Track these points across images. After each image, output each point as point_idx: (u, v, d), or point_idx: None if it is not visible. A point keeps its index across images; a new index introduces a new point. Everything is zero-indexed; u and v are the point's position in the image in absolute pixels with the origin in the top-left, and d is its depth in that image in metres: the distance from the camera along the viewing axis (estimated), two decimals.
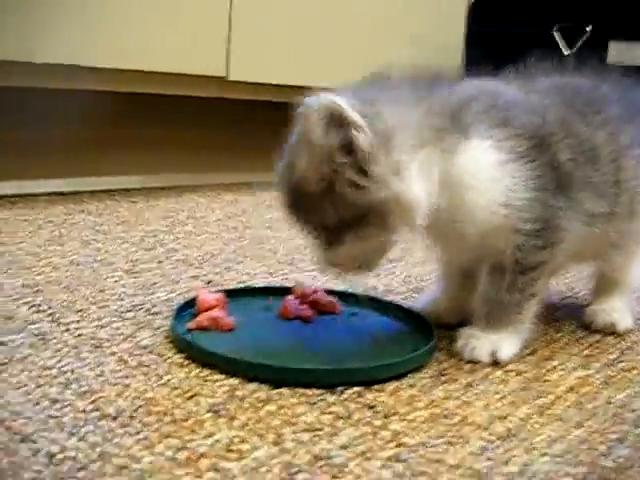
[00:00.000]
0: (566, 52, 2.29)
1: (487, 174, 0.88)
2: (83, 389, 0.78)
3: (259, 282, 1.23)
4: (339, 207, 0.84)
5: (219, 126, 2.21)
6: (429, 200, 0.87)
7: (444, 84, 0.93)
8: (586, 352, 1.00)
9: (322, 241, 0.88)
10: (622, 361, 0.98)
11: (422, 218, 0.87)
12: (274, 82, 2.08)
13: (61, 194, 1.86)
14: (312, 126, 0.81)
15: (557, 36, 2.37)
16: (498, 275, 0.93)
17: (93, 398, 0.77)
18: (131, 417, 0.73)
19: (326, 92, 0.83)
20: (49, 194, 1.84)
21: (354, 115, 0.81)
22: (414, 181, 0.85)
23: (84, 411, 0.74)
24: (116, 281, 1.18)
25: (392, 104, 0.87)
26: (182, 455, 0.67)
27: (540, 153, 0.90)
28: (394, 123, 0.85)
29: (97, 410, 0.74)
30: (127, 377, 0.82)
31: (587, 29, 2.42)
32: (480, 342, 0.93)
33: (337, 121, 0.81)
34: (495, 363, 0.92)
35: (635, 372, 0.94)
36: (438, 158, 0.87)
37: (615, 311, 1.08)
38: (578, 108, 0.98)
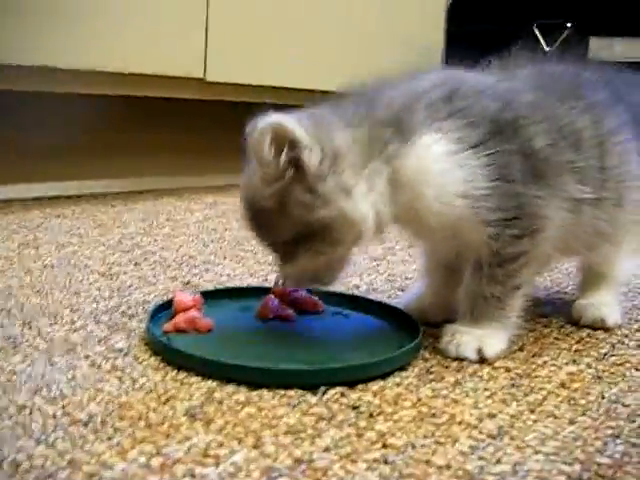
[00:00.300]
0: (547, 49, 2.27)
1: (436, 167, 0.86)
2: (53, 394, 0.75)
3: (238, 283, 1.20)
4: (291, 224, 0.85)
5: (198, 129, 2.18)
6: (380, 215, 0.88)
7: (399, 80, 0.93)
8: (576, 347, 0.97)
9: (278, 256, 0.90)
10: (613, 355, 0.95)
11: (370, 235, 0.88)
12: (252, 83, 2.05)
13: (37, 199, 1.82)
14: (260, 145, 0.82)
15: (538, 33, 2.35)
16: (479, 269, 0.90)
17: (63, 403, 0.73)
18: (103, 422, 0.70)
19: (278, 113, 0.84)
20: (24, 199, 1.80)
21: (302, 135, 0.82)
22: (361, 199, 0.86)
23: (54, 417, 0.70)
24: (91, 284, 1.14)
25: (341, 124, 0.87)
26: (156, 461, 0.63)
27: (503, 141, 0.87)
28: (342, 143, 0.86)
29: (67, 415, 0.71)
30: (100, 381, 0.79)
31: (567, 25, 2.41)
32: (465, 338, 0.90)
33: (285, 140, 0.82)
34: (482, 360, 0.89)
35: (628, 366, 0.91)
36: (385, 168, 0.87)
37: (604, 305, 1.06)
38: (557, 93, 0.95)
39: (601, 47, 2.38)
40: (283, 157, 0.82)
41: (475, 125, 0.87)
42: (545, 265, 1.00)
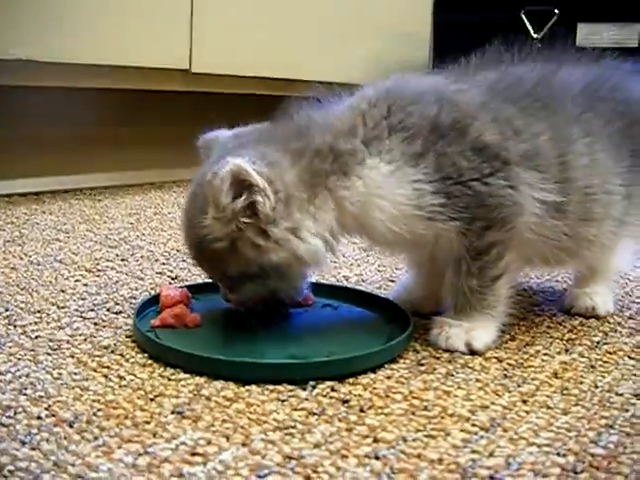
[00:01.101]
0: (535, 35, 2.26)
1: (382, 193, 0.86)
2: (38, 394, 0.74)
3: None
4: (242, 263, 0.85)
5: (184, 121, 2.16)
6: (330, 244, 0.88)
7: (333, 100, 0.93)
8: (568, 335, 0.96)
9: (225, 287, 0.91)
10: (606, 343, 0.94)
11: (320, 264, 0.89)
12: (238, 74, 2.04)
13: (23, 195, 1.81)
14: (219, 190, 0.81)
15: (525, 20, 2.34)
16: (457, 264, 0.89)
17: (49, 403, 0.72)
18: (89, 422, 0.68)
19: (235, 156, 0.83)
20: (10, 195, 1.78)
21: (258, 179, 0.82)
22: (310, 237, 0.86)
23: (39, 417, 0.69)
24: (77, 280, 1.13)
25: (287, 162, 0.86)
26: (143, 461, 0.62)
27: (449, 144, 0.86)
28: (290, 183, 0.85)
29: (53, 416, 0.69)
30: (86, 379, 0.78)
31: (555, 12, 2.39)
32: (454, 330, 0.89)
33: (244, 184, 0.82)
34: (472, 352, 0.88)
35: (620, 354, 0.90)
36: (330, 202, 0.87)
37: (596, 294, 1.05)
38: (515, 97, 0.92)
39: (589, 33, 2.36)
40: (240, 202, 0.82)
41: (415, 137, 0.86)
42: (525, 264, 0.97)
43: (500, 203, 0.86)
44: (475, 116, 0.88)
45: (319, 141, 0.87)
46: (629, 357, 0.90)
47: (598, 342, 0.94)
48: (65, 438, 0.65)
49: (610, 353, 0.91)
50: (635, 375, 0.84)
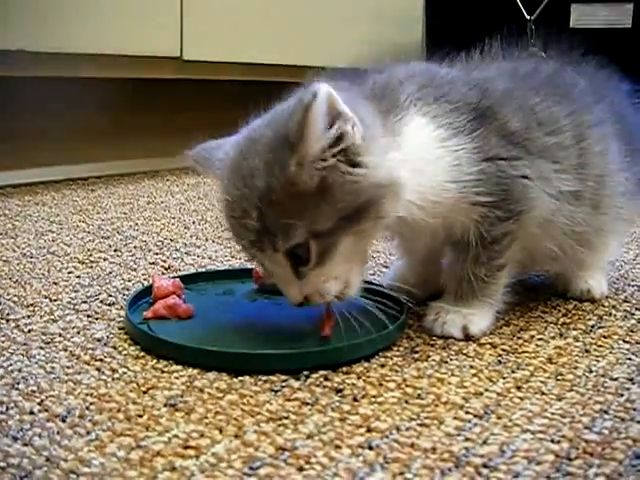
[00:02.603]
0: (528, 17, 2.25)
1: (428, 154, 0.84)
2: (31, 388, 0.74)
3: (220, 266, 1.18)
4: (335, 207, 0.76)
5: (177, 109, 2.16)
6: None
7: (376, 70, 0.91)
8: (563, 320, 0.96)
9: (301, 264, 0.79)
10: (601, 327, 0.94)
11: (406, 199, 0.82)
12: (230, 60, 2.03)
13: (16, 186, 1.80)
14: (315, 117, 0.73)
15: (519, 2, 2.32)
16: (462, 249, 0.89)
17: (41, 397, 0.72)
18: (81, 416, 0.68)
19: (320, 83, 0.74)
20: (2, 187, 1.78)
21: (347, 108, 0.75)
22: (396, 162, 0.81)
23: (31, 412, 0.69)
24: (70, 272, 1.12)
25: (359, 97, 0.83)
26: (136, 455, 0.62)
27: (484, 125, 0.86)
28: (366, 115, 0.81)
29: (45, 410, 0.69)
30: (79, 373, 0.77)
31: None
32: (450, 316, 0.89)
33: (333, 113, 0.74)
34: (468, 338, 0.88)
35: (615, 337, 0.90)
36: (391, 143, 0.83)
37: (591, 277, 1.04)
38: (533, 85, 0.94)
39: (582, 14, 2.35)
40: (333, 131, 0.74)
41: (459, 110, 0.86)
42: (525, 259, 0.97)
43: (522, 195, 0.87)
44: (502, 103, 0.89)
45: (378, 86, 0.86)
46: (624, 341, 0.89)
47: (593, 326, 0.94)
48: (58, 433, 0.65)
49: (605, 337, 0.90)
50: (630, 359, 0.84)
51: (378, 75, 0.89)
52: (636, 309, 1.01)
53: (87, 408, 0.70)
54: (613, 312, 1.00)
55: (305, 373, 0.77)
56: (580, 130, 0.94)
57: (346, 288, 0.82)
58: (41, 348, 0.83)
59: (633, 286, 1.11)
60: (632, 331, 0.93)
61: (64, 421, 0.67)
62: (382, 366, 0.80)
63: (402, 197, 0.81)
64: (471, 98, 0.88)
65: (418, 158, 0.84)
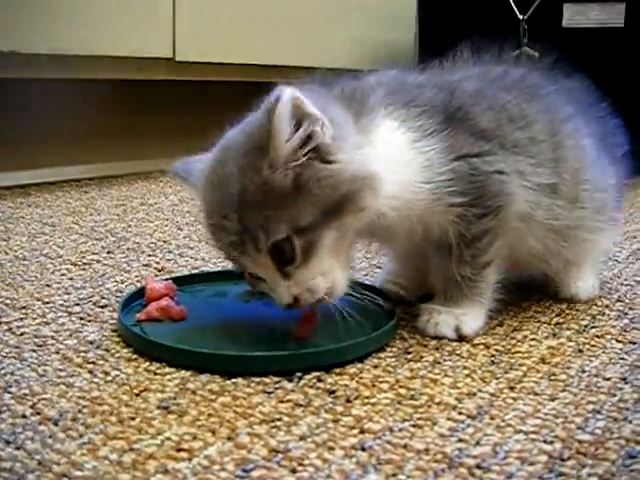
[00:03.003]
0: (521, 16, 2.25)
1: (400, 156, 0.85)
2: (23, 391, 0.73)
3: (213, 267, 1.18)
4: (312, 201, 0.78)
5: (169, 110, 2.15)
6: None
7: (349, 78, 0.92)
8: (556, 320, 0.96)
9: (287, 261, 0.79)
10: (594, 327, 0.94)
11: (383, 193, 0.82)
12: (223, 61, 2.02)
13: (8, 188, 1.80)
14: (281, 121, 0.75)
15: (511, 1, 2.32)
16: (445, 250, 0.89)
17: (34, 401, 0.71)
18: (74, 419, 0.68)
19: (285, 86, 0.76)
20: None
21: (314, 109, 0.77)
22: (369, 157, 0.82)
23: (23, 416, 0.69)
24: (63, 274, 1.12)
25: (329, 98, 0.85)
26: (128, 458, 0.62)
27: (454, 126, 0.87)
28: (335, 115, 0.82)
29: (38, 414, 0.69)
30: (71, 376, 0.77)
31: None
32: (442, 317, 0.89)
33: (299, 114, 0.76)
34: (461, 338, 0.88)
35: (608, 337, 0.90)
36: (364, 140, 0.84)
37: (580, 279, 1.04)
38: (503, 85, 0.96)
39: (575, 13, 2.35)
40: (301, 133, 0.76)
41: (427, 113, 0.87)
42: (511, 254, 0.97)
43: (498, 191, 0.87)
44: (471, 102, 0.90)
45: (344, 92, 0.87)
46: (617, 340, 0.89)
47: (586, 326, 0.94)
48: (50, 436, 0.65)
49: (598, 337, 0.91)
50: (623, 359, 0.84)
51: (347, 82, 0.90)
52: (629, 309, 1.01)
53: (79, 411, 0.69)
54: (606, 312, 1.00)
55: (298, 375, 0.77)
56: (552, 125, 0.95)
57: (332, 288, 0.82)
58: (33, 351, 0.83)
59: (626, 285, 1.11)
60: (625, 331, 0.93)
61: (56, 424, 0.67)
62: (375, 367, 0.80)
63: (380, 190, 0.82)
64: (439, 100, 0.89)
65: (390, 160, 0.84)
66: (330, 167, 0.78)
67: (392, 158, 0.84)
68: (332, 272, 0.81)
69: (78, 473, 0.59)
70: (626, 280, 1.14)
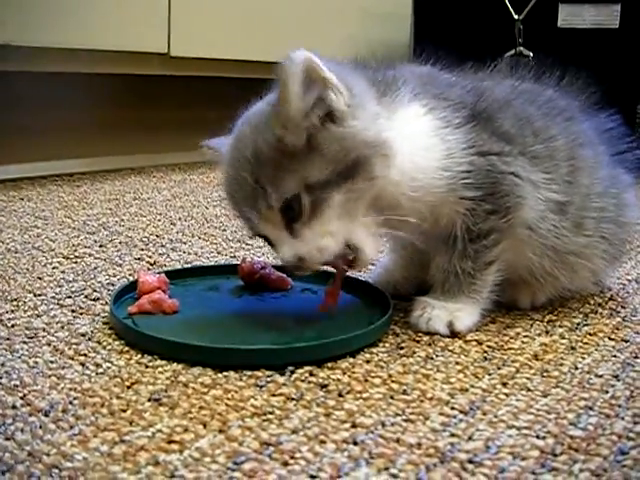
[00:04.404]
0: (516, 17, 2.25)
1: (423, 141, 0.86)
2: (14, 383, 0.73)
3: (206, 261, 1.18)
4: (324, 161, 0.79)
5: (164, 105, 2.15)
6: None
7: (382, 66, 0.93)
8: (549, 317, 0.96)
9: (296, 218, 0.80)
10: (587, 324, 0.94)
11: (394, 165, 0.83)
12: (217, 57, 2.02)
13: (1, 182, 1.79)
14: (290, 81, 0.77)
15: (507, 1, 2.32)
16: (450, 244, 0.89)
17: (24, 392, 0.71)
18: (64, 411, 0.68)
19: (300, 50, 0.79)
20: None
21: (329, 74, 0.79)
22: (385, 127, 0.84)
23: (14, 407, 0.68)
24: (55, 267, 1.12)
25: (341, 68, 0.85)
26: (119, 449, 0.61)
27: (479, 125, 0.88)
28: (357, 86, 0.84)
29: (28, 405, 0.69)
30: (62, 368, 0.77)
31: None
32: (436, 312, 0.89)
33: (312, 78, 0.78)
34: (453, 334, 0.88)
35: (601, 335, 0.90)
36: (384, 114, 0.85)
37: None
38: (531, 100, 0.97)
39: (570, 14, 2.36)
40: (313, 94, 0.78)
41: (455, 107, 0.88)
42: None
43: (510, 191, 0.88)
44: (498, 108, 0.91)
45: (380, 75, 0.89)
46: (609, 338, 0.89)
47: (578, 323, 0.94)
48: (40, 427, 0.65)
49: (590, 334, 0.91)
50: (615, 356, 0.84)
51: (381, 68, 0.91)
52: (621, 307, 1.01)
53: (70, 403, 0.69)
54: (599, 310, 1.00)
55: (290, 368, 0.77)
56: (572, 147, 0.95)
57: (358, 252, 0.83)
58: (24, 343, 0.83)
59: (618, 284, 1.11)
60: (617, 329, 0.93)
61: (47, 415, 0.67)
62: (367, 362, 0.80)
63: (393, 161, 0.83)
64: (467, 99, 0.90)
65: (413, 143, 0.85)
66: (344, 130, 0.80)
67: (415, 141, 0.85)
68: (345, 235, 0.82)
69: (68, 464, 0.59)
70: (619, 278, 1.14)
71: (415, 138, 0.85)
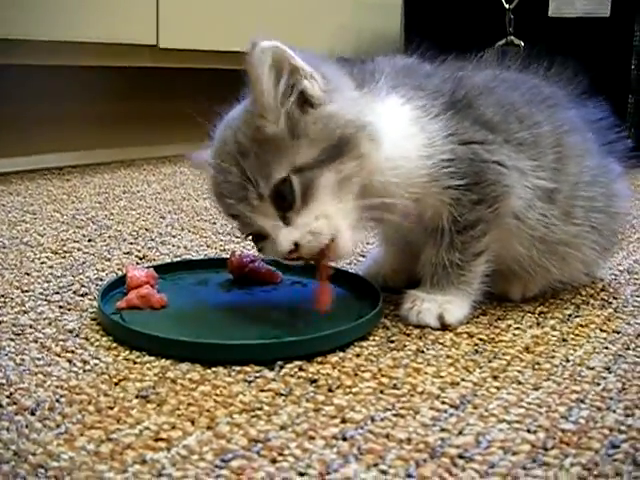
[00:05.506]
0: (507, 6, 2.24)
1: (403, 130, 0.86)
2: (0, 381, 0.72)
3: (196, 255, 1.17)
4: (311, 139, 0.80)
5: (153, 98, 2.14)
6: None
7: (360, 60, 0.93)
8: (540, 309, 0.95)
9: (286, 205, 0.80)
10: (578, 316, 0.93)
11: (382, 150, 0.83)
12: (207, 49, 2.01)
13: None
14: (257, 68, 0.78)
15: None
16: (438, 236, 0.88)
17: (10, 390, 0.70)
18: (51, 409, 0.67)
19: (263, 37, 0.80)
20: None
21: (300, 61, 0.80)
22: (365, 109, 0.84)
23: (0, 405, 0.67)
24: (43, 262, 1.11)
25: (314, 56, 0.86)
26: (106, 448, 0.61)
27: (459, 113, 0.88)
28: (327, 71, 0.84)
29: (14, 403, 0.68)
30: (49, 365, 0.76)
31: None
32: (426, 305, 0.88)
33: (281, 65, 0.79)
34: (444, 327, 0.87)
35: (592, 326, 0.90)
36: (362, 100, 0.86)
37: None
38: (515, 87, 0.96)
39: (562, 3, 2.35)
40: (284, 80, 0.79)
41: (433, 96, 0.88)
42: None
43: (496, 180, 0.87)
44: (478, 94, 0.90)
45: (352, 66, 0.90)
46: (601, 330, 0.89)
47: (570, 315, 0.94)
48: (26, 426, 0.64)
49: (582, 326, 0.90)
50: (607, 348, 0.84)
51: (358, 63, 0.91)
52: (613, 298, 1.01)
53: (57, 401, 0.68)
54: (590, 301, 0.99)
55: (279, 363, 0.76)
56: (558, 134, 0.94)
57: (336, 245, 0.81)
58: (11, 340, 0.82)
59: (610, 275, 1.11)
60: (609, 320, 0.92)
61: (33, 414, 0.66)
62: (357, 356, 0.79)
63: (379, 141, 0.83)
64: (445, 88, 0.89)
65: (393, 132, 0.85)
66: (324, 112, 0.80)
67: (395, 131, 0.85)
68: (335, 219, 0.80)
69: (54, 464, 0.58)
70: (610, 269, 1.13)
71: (395, 127, 0.85)
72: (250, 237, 0.87)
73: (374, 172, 0.83)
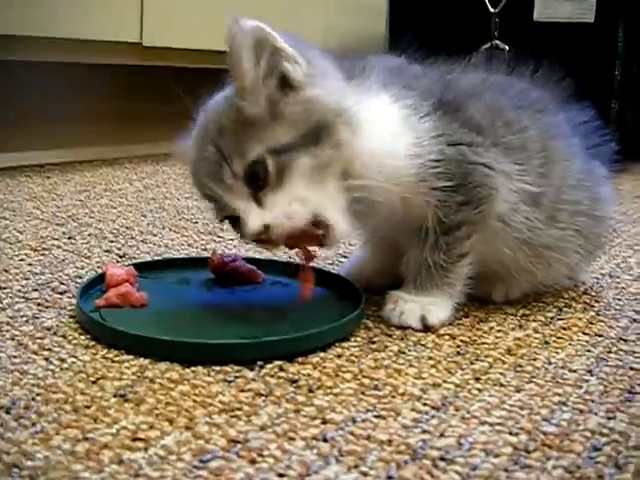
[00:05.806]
0: (492, 10, 2.24)
1: (390, 129, 0.85)
2: None
3: (176, 254, 1.16)
4: (289, 121, 0.80)
5: (136, 96, 2.12)
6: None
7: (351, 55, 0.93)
8: (522, 311, 0.95)
9: (262, 186, 0.79)
10: (561, 319, 0.93)
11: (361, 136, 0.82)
12: (191, 47, 2.00)
13: None
14: (238, 48, 0.79)
15: None
16: (422, 236, 0.88)
17: None
18: (26, 407, 0.66)
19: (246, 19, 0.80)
20: None
21: (283, 44, 0.80)
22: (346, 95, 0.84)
23: None
24: (22, 259, 1.09)
25: (298, 41, 0.85)
26: (82, 447, 0.60)
27: (447, 114, 0.88)
28: (312, 57, 0.84)
29: None
30: (26, 363, 0.75)
31: None
32: (409, 306, 0.88)
33: (262, 45, 0.79)
34: (426, 328, 0.86)
35: (574, 329, 0.90)
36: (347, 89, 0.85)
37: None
38: (503, 91, 0.96)
39: (545, 8, 2.35)
40: (265, 60, 0.79)
41: (422, 97, 0.87)
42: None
43: (482, 182, 0.87)
44: (467, 97, 0.90)
45: (349, 62, 0.89)
46: (583, 333, 0.89)
47: (552, 318, 0.93)
48: (1, 425, 0.63)
49: (564, 329, 0.90)
50: (589, 351, 0.83)
51: (349, 58, 0.91)
52: (595, 301, 1.01)
53: (33, 399, 0.67)
54: (573, 304, 0.99)
55: (260, 363, 0.75)
56: (545, 138, 0.94)
57: (329, 228, 0.81)
58: None
59: (592, 278, 1.11)
60: (591, 323, 0.92)
61: (8, 413, 0.65)
62: (339, 356, 0.79)
63: (357, 128, 0.82)
64: (434, 89, 0.89)
65: (380, 129, 0.84)
66: (304, 96, 0.80)
67: (383, 128, 0.85)
68: (315, 205, 0.80)
69: (29, 463, 0.57)
70: (592, 273, 1.13)
71: (383, 124, 0.85)
72: (226, 221, 0.85)
73: (353, 161, 0.82)
